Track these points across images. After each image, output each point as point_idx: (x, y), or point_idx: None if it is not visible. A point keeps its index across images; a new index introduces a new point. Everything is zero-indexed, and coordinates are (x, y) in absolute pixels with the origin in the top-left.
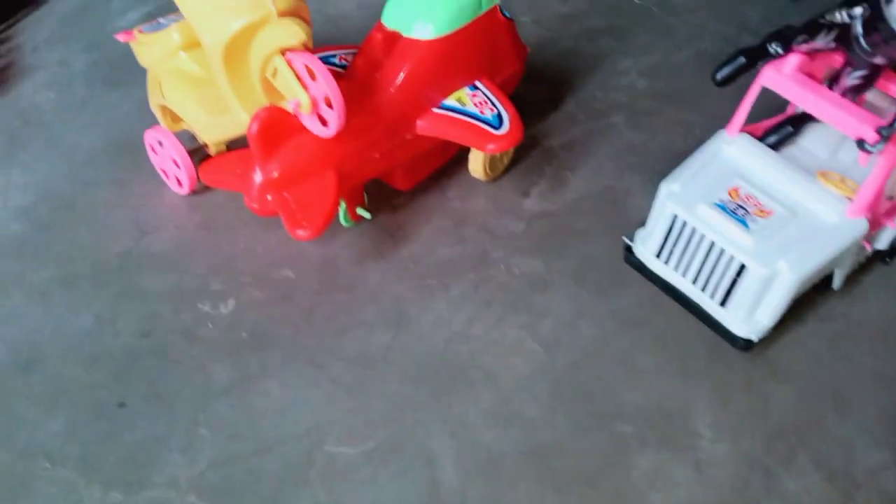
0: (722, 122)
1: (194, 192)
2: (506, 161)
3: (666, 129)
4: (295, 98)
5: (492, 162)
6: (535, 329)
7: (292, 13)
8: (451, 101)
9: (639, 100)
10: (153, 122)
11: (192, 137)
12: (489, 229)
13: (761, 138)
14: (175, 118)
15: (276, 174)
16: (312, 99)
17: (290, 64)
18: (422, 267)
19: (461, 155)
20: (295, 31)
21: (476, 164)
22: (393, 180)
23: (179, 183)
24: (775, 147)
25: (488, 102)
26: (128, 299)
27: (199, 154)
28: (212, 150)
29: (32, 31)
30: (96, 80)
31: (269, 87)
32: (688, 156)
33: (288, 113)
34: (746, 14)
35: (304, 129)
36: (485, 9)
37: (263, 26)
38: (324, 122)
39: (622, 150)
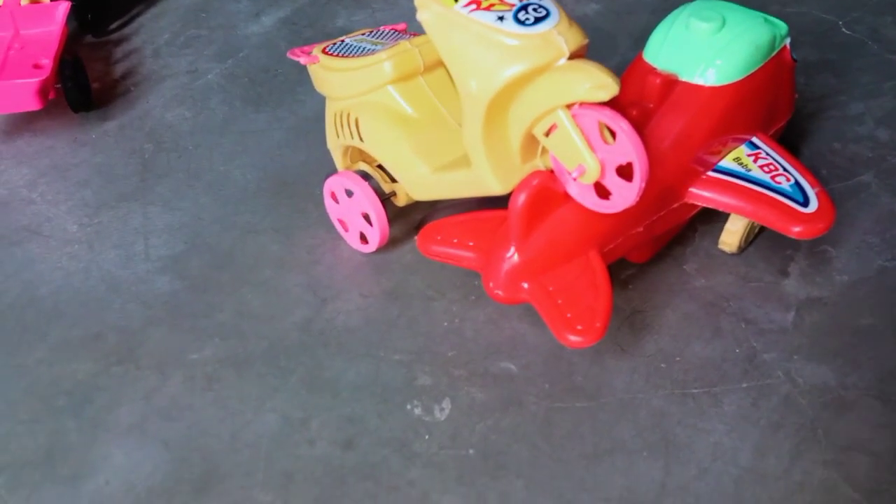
0: None
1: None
2: (756, 229)
3: None
4: (580, 164)
5: (749, 233)
6: (847, 470)
7: (580, 54)
8: (728, 162)
9: (886, 155)
10: (310, 154)
11: (365, 174)
12: (750, 319)
13: None
14: (355, 158)
15: (533, 255)
16: (602, 165)
17: (576, 120)
18: (677, 369)
19: (695, 217)
20: (604, 81)
21: (733, 236)
22: (629, 252)
23: (363, 240)
24: None
25: (777, 167)
26: (318, 393)
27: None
28: (400, 201)
29: (151, 30)
30: (235, 97)
31: (528, 145)
32: None
33: (554, 179)
34: None
35: (568, 199)
36: (777, 49)
37: (546, 71)
38: (603, 195)
39: (885, 221)
